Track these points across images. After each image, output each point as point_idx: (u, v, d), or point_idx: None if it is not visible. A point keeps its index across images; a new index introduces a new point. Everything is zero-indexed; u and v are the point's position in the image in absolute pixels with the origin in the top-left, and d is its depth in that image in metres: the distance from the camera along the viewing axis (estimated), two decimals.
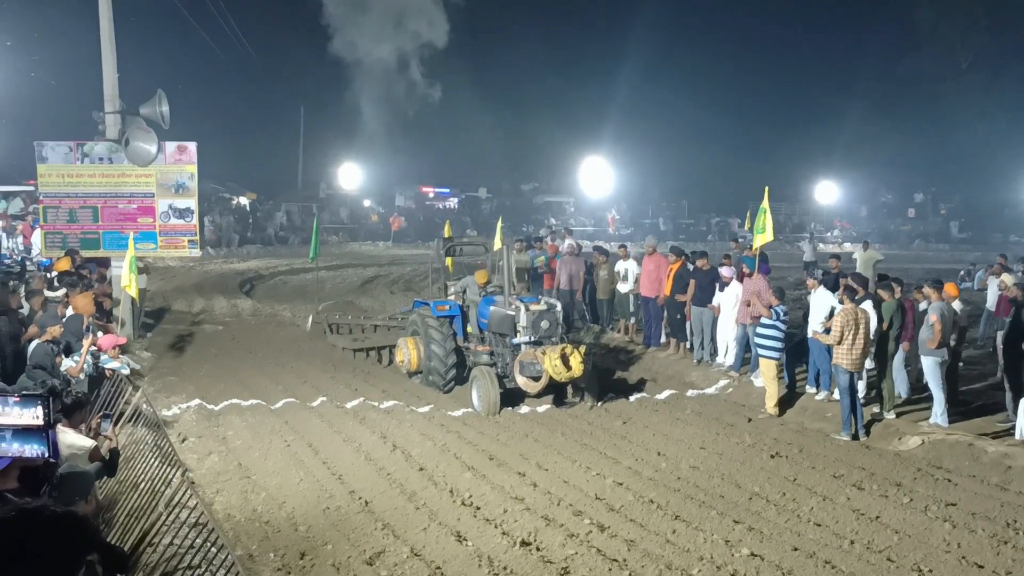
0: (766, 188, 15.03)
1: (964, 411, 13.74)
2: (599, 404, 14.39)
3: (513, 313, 14.59)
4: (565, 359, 13.36)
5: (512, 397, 14.40)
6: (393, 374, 16.86)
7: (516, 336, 14.46)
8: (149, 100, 17.65)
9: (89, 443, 7.70)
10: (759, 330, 14.48)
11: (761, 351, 14.35)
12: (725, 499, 10.10)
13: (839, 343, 12.81)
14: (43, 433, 3.55)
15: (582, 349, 13.67)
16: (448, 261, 19.10)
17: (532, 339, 14.27)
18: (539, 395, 14.15)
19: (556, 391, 14.33)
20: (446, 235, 24.30)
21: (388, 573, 7.97)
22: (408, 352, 16.20)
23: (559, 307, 15.00)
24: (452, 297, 16.57)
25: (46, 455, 3.58)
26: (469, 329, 15.93)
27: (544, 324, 14.33)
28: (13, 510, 2.88)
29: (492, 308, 15.13)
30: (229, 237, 43.18)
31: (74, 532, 2.92)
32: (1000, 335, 14.55)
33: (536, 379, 13.73)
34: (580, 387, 14.32)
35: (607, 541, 8.71)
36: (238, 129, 54.98)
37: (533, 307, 14.57)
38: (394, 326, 19.77)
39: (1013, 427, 12.56)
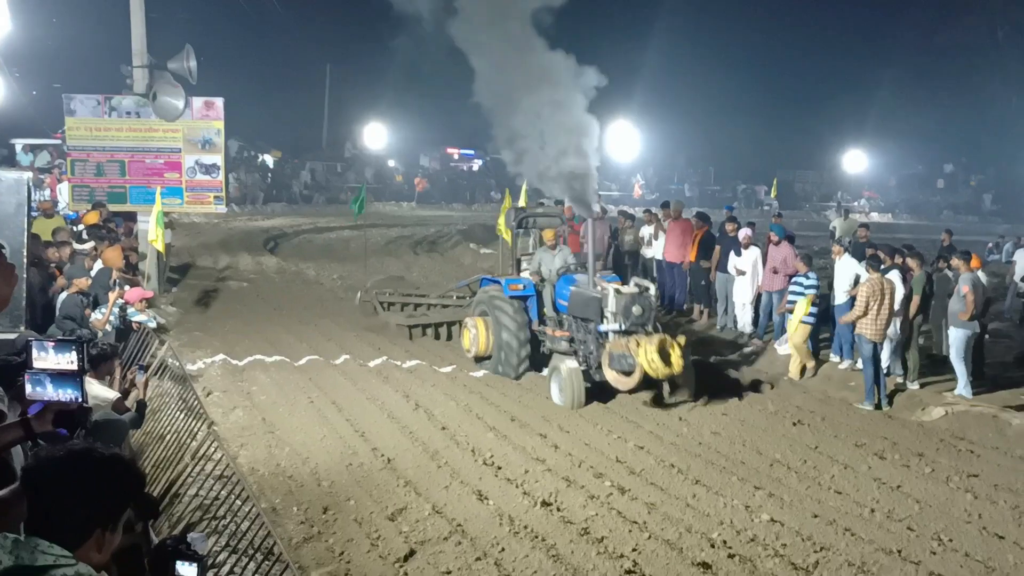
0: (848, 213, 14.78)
1: (989, 383, 13.64)
2: (699, 403, 12.55)
3: (599, 296, 12.65)
4: (664, 353, 11.48)
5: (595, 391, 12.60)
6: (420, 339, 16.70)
7: (603, 322, 12.49)
8: (177, 55, 17.64)
9: (112, 395, 7.78)
10: (794, 297, 14.39)
11: (805, 319, 14.29)
12: (746, 465, 10.11)
13: (864, 314, 12.73)
14: (77, 378, 3.59)
15: (681, 341, 11.85)
16: (505, 232, 17.39)
17: (623, 327, 12.25)
18: (632, 392, 12.28)
19: (650, 387, 12.47)
20: (505, 204, 21.35)
21: (409, 529, 8.05)
22: (477, 334, 14.28)
23: (653, 290, 12.88)
24: (526, 275, 14.82)
25: (79, 400, 3.62)
26: (545, 312, 14.30)
27: (636, 310, 12.26)
28: (62, 449, 2.92)
29: (573, 289, 13.34)
30: (254, 195, 43.31)
31: (121, 474, 2.96)
32: None
33: (628, 374, 11.81)
34: (677, 384, 12.47)
35: (627, 503, 8.75)
36: (264, 87, 54.81)
37: (624, 289, 12.60)
38: (449, 304, 18.05)
39: None
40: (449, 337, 16.77)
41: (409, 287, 20.27)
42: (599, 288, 12.85)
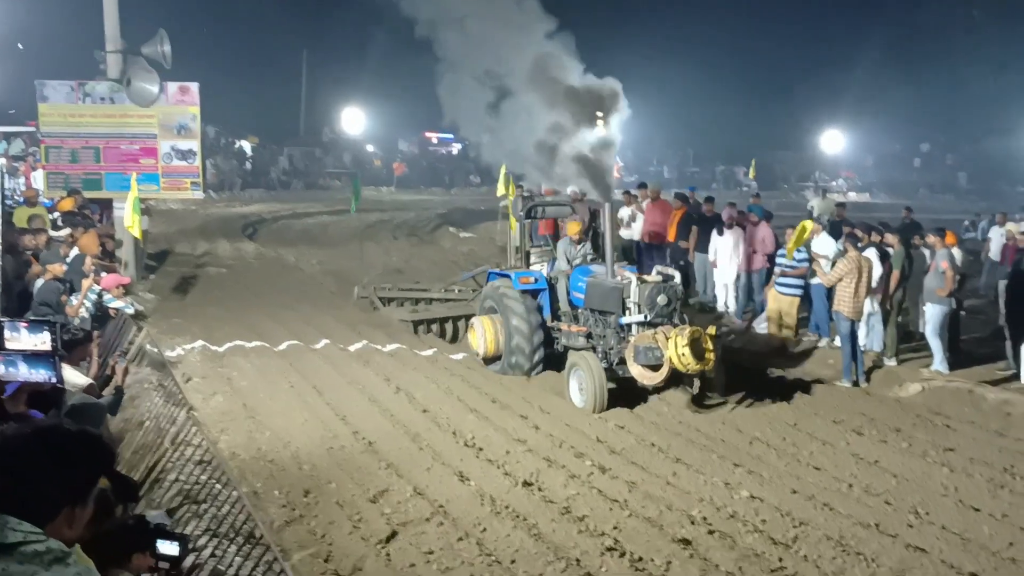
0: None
1: (965, 359, 13.78)
2: (732, 403, 11.66)
3: (620, 286, 11.77)
4: (697, 347, 10.46)
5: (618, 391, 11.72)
6: (397, 323, 16.62)
7: (624, 314, 11.65)
8: (151, 40, 17.44)
9: (84, 381, 7.73)
10: (780, 272, 14.56)
11: (784, 290, 14.46)
12: (726, 443, 10.18)
13: (831, 284, 12.88)
14: (51, 359, 3.58)
15: (712, 332, 10.93)
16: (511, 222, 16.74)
17: (648, 318, 11.44)
18: (657, 389, 11.54)
19: (676, 383, 11.59)
20: (509, 193, 19.50)
21: (391, 511, 8.06)
22: (484, 334, 13.16)
23: (678, 279, 12.01)
24: (537, 267, 13.95)
25: (53, 380, 3.61)
26: (560, 307, 13.29)
27: (662, 300, 11.39)
28: (28, 427, 2.90)
29: (590, 280, 12.40)
30: (231, 181, 43.09)
31: (89, 448, 2.94)
32: (1002, 284, 14.55)
33: (655, 368, 10.99)
34: (708, 379, 11.49)
35: (608, 482, 8.80)
36: (241, 72, 54.39)
37: (647, 278, 11.82)
38: (452, 298, 17.39)
39: (1015, 374, 12.63)
40: (455, 333, 16.16)
41: (408, 281, 19.43)
42: (619, 278, 12.02)
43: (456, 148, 58.95)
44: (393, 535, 7.55)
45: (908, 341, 14.54)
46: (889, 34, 65.96)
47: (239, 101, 50.92)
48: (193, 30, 43.67)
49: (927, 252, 14.16)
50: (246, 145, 49.85)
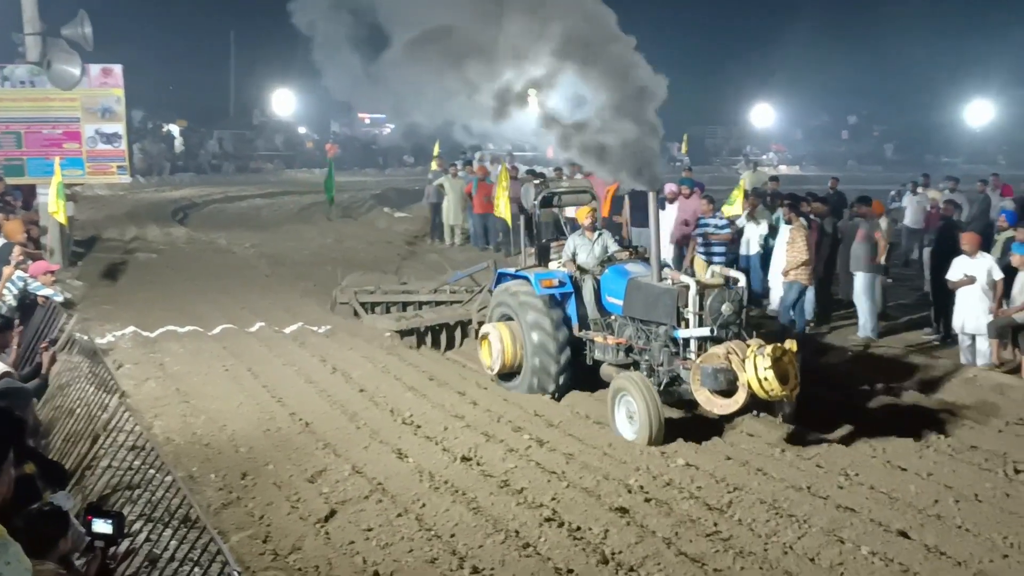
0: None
1: (892, 324, 14.14)
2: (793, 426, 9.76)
3: (672, 290, 9.79)
4: (781, 368, 8.67)
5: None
6: (328, 301, 16.48)
7: (679, 326, 9.71)
8: (71, 21, 17.10)
9: (1, 368, 7.60)
10: (704, 239, 14.72)
11: (710, 259, 14.62)
12: None
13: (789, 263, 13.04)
14: None
15: (794, 347, 8.98)
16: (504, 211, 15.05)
17: (713, 332, 9.54)
18: (730, 418, 9.75)
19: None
20: (502, 178, 18.52)
21: (330, 490, 8.04)
22: (499, 345, 11.29)
23: (743, 281, 10.14)
24: (559, 266, 11.68)
25: None
26: (587, 313, 11.32)
27: (726, 309, 9.56)
28: None
29: (631, 283, 10.44)
30: (160, 165, 42.44)
31: None
32: (927, 251, 14.94)
33: (727, 393, 9.09)
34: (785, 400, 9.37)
35: (546, 455, 8.86)
36: (166, 54, 53.46)
37: (708, 281, 9.91)
38: (443, 301, 15.47)
39: (940, 339, 13.03)
40: (449, 342, 14.50)
41: (391, 282, 16.91)
42: (670, 280, 10.06)
43: (389, 128, 58.57)
44: (332, 514, 7.54)
45: (836, 309, 14.86)
46: (816, 8, 66.96)
47: (166, 83, 50.23)
48: (115, 10, 42.62)
49: (854, 221, 14.44)
50: (174, 128, 49.02)
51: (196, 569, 5.71)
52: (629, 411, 9.52)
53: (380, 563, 6.72)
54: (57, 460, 7.43)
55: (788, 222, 13.50)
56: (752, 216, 15.52)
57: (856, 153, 61.53)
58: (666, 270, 10.40)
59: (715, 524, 7.35)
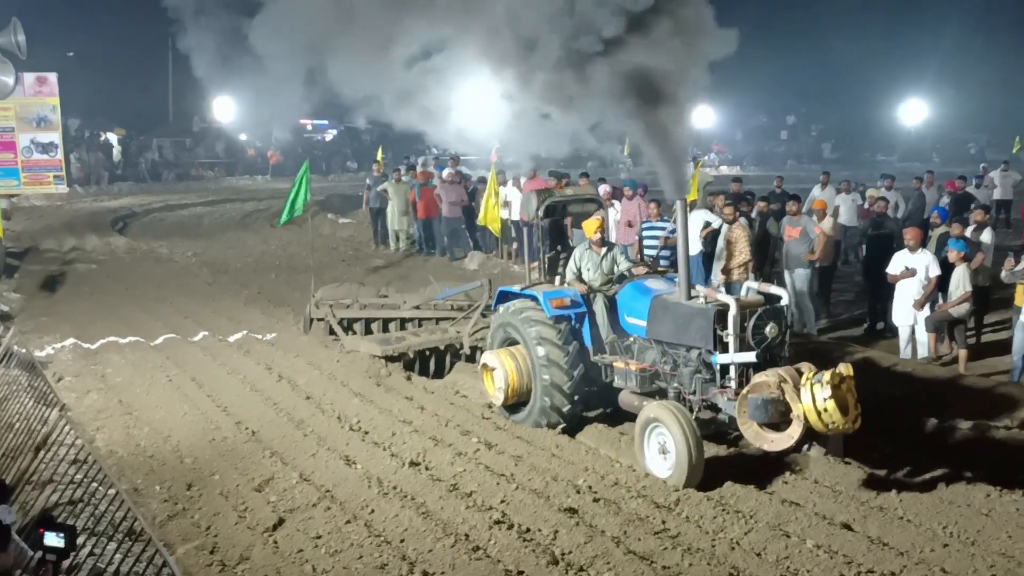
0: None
1: (833, 320, 14.47)
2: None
3: (709, 310, 8.72)
4: (841, 396, 7.76)
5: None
6: (272, 308, 16.37)
7: (716, 350, 8.67)
8: (4, 29, 16.76)
9: None
10: (649, 242, 14.84)
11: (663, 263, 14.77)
12: (609, 413, 10.37)
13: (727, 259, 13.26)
14: None
15: (851, 372, 8.02)
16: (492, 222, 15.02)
17: (759, 358, 8.50)
18: (782, 454, 8.51)
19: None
20: (491, 186, 17.87)
21: (277, 498, 8.00)
22: (503, 374, 10.11)
23: (786, 299, 9.20)
24: (569, 284, 10.47)
25: None
26: (601, 334, 10.21)
27: (771, 331, 8.57)
28: None
29: (656, 300, 9.40)
30: (98, 174, 41.74)
31: None
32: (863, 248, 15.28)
33: (779, 427, 8.06)
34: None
35: (495, 458, 8.89)
36: (102, 61, 52.52)
37: (748, 300, 8.95)
38: (429, 316, 13.73)
39: (878, 332, 13.38)
40: (440, 367, 13.01)
41: (369, 293, 14.61)
42: (703, 298, 9.04)
43: (331, 134, 58.23)
44: (280, 522, 7.50)
45: None
46: (753, 7, 67.74)
47: (102, 91, 49.22)
48: (50, 18, 41.94)
49: (793, 220, 14.65)
50: (112, 137, 48.23)
51: None
52: (663, 445, 8.47)
53: (329, 570, 6.71)
54: None
55: (729, 221, 13.67)
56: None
57: (795, 152, 62.37)
58: (697, 287, 9.32)
59: (663, 522, 7.44)
